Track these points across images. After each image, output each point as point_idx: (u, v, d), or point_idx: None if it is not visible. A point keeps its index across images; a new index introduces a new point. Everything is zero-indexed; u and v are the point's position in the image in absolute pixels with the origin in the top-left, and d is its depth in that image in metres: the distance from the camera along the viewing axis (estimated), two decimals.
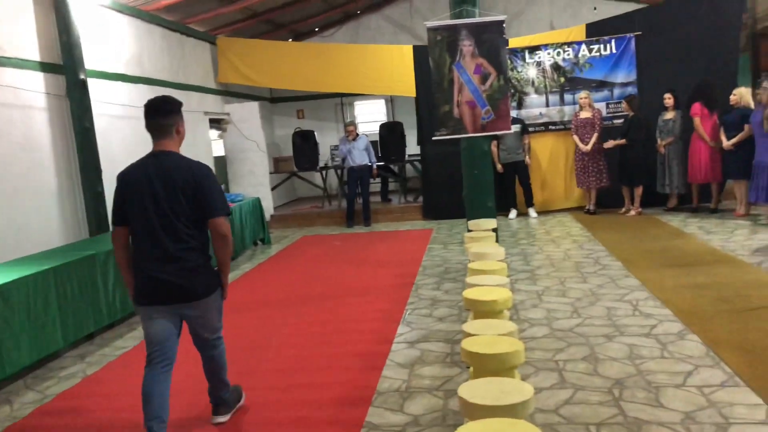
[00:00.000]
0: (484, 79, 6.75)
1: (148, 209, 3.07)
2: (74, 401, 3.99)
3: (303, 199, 13.27)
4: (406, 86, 10.07)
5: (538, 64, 9.61)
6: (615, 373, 3.60)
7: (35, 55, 6.40)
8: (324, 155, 12.02)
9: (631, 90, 9.28)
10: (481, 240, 5.21)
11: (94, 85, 6.99)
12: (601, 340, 4.16)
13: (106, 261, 5.38)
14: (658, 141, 8.66)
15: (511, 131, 8.96)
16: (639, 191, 8.79)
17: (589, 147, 8.89)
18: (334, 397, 3.66)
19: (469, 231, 5.74)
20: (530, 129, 9.59)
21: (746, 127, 7.57)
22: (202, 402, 3.61)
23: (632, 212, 8.82)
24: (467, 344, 2.84)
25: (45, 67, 6.49)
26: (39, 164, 6.36)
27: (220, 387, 3.47)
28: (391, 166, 11.62)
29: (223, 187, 10.48)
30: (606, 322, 4.51)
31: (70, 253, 5.23)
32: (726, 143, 7.85)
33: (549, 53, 9.56)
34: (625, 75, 9.37)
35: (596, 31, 9.50)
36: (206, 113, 9.97)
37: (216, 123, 10.59)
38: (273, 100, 13.43)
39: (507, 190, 9.55)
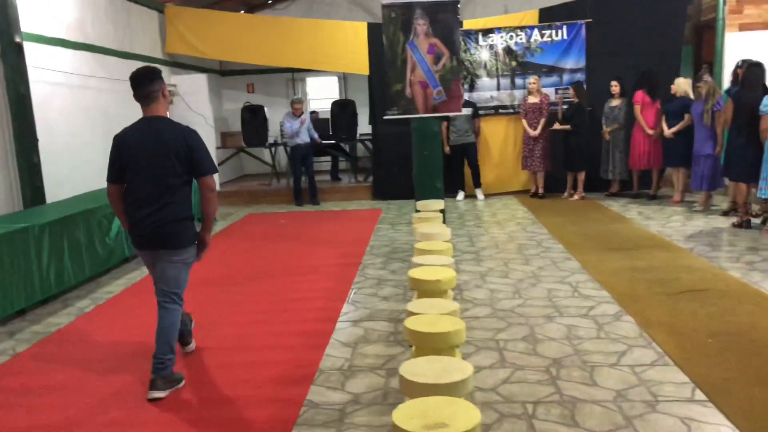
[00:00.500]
0: (437, 59, 6.74)
1: (143, 168, 3.42)
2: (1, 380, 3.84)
3: (250, 176, 13.05)
4: (360, 64, 9.97)
5: (491, 47, 9.66)
6: (553, 353, 3.69)
7: None
8: (273, 131, 11.83)
9: (580, 76, 9.44)
10: (429, 221, 5.23)
11: (31, 50, 6.64)
12: (541, 320, 4.25)
13: (40, 234, 5.17)
14: (604, 128, 8.86)
15: (463, 113, 9.06)
16: (582, 176, 8.99)
17: (537, 132, 9.03)
18: (275, 375, 3.63)
19: (417, 211, 5.76)
20: (481, 112, 9.65)
21: (686, 116, 7.82)
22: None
23: (576, 197, 9.03)
24: (410, 323, 2.85)
25: None
26: None
27: (166, 349, 3.50)
28: (342, 145, 11.54)
29: None
30: (546, 303, 4.61)
31: (1, 226, 5.00)
32: (667, 131, 8.10)
33: (502, 37, 9.62)
34: (574, 61, 9.52)
35: (549, 16, 9.61)
36: None
37: None
38: (222, 73, 13.10)
39: (456, 171, 9.62)
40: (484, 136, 9.81)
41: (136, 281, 5.97)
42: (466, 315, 4.39)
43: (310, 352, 3.95)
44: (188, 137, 3.48)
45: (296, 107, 9.87)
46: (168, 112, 3.61)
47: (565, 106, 9.06)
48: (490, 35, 9.63)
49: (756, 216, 6.78)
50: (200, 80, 10.51)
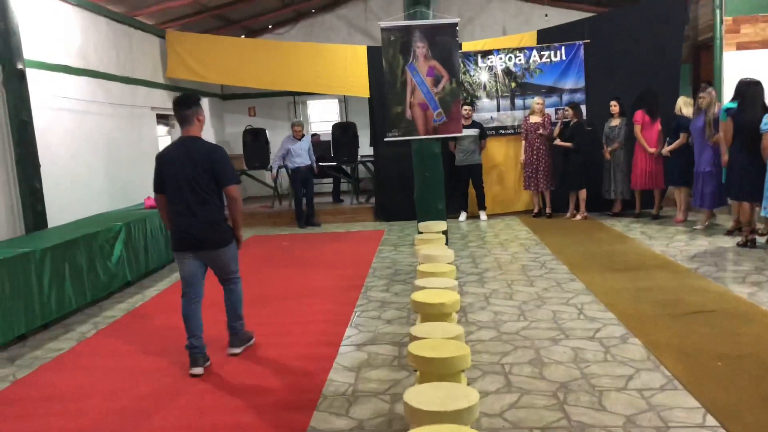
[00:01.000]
0: (436, 81, 6.77)
1: (179, 181, 4.05)
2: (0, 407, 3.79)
3: (253, 198, 13.05)
4: (360, 86, 10.02)
5: (490, 68, 9.71)
6: (560, 377, 3.64)
7: None
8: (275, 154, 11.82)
9: (580, 96, 9.47)
10: (431, 242, 5.21)
11: (34, 77, 6.69)
12: (546, 343, 4.20)
13: (42, 259, 5.15)
14: (605, 147, 8.88)
15: (470, 134, 9.10)
16: (583, 195, 8.98)
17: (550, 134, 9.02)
18: (277, 401, 3.58)
19: (420, 233, 5.73)
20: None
21: (682, 135, 7.84)
22: None
23: (578, 217, 9.00)
24: (414, 348, 2.81)
25: None
26: None
27: (235, 318, 4.41)
28: (344, 167, 11.56)
29: None
30: (552, 325, 4.56)
31: (2, 251, 4.97)
32: (663, 150, 8.13)
33: (501, 58, 9.67)
34: (573, 82, 9.56)
35: (547, 37, 9.66)
36: (153, 108, 9.69)
37: (164, 119, 10.31)
38: (224, 96, 13.18)
39: (461, 192, 9.62)
40: (486, 156, 9.81)
41: (137, 305, 5.93)
42: (470, 338, 4.34)
43: (313, 376, 3.90)
44: (213, 154, 4.10)
45: (296, 129, 9.89)
46: (201, 133, 4.23)
47: (557, 126, 9.06)
48: (489, 57, 9.69)
49: (761, 235, 6.74)
50: (201, 104, 10.54)
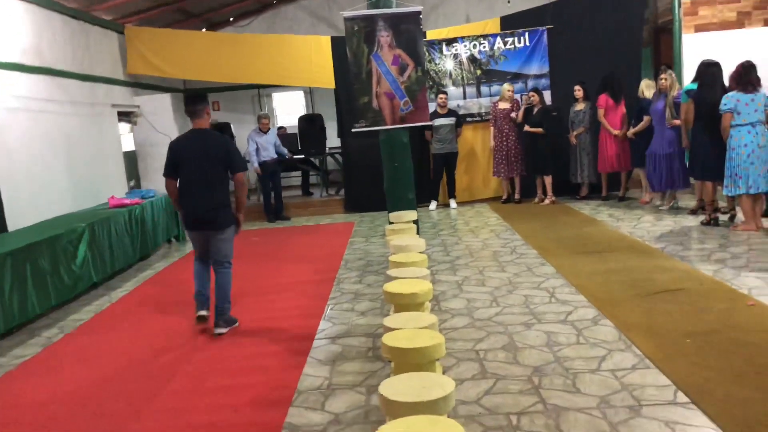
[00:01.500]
0: (402, 70, 6.73)
1: (191, 167, 4.57)
2: None
3: None
4: (325, 78, 9.93)
5: (455, 56, 9.71)
6: (534, 361, 3.66)
7: None
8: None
9: (545, 82, 9.54)
10: (402, 232, 5.20)
11: None
12: (519, 328, 4.23)
13: (2, 264, 4.98)
14: (571, 132, 8.96)
15: (446, 122, 9.11)
16: (549, 180, 9.06)
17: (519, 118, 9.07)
18: (252, 398, 3.54)
19: (391, 223, 5.71)
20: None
21: (645, 118, 7.95)
22: None
23: (546, 201, 9.09)
24: (388, 339, 2.79)
25: None
26: None
27: (224, 301, 4.73)
28: (312, 159, 11.47)
29: (133, 183, 10.03)
30: (524, 310, 4.60)
31: None
32: (628, 132, 8.26)
33: (465, 46, 9.67)
34: (538, 67, 9.62)
35: (510, 24, 9.69)
36: (114, 106, 9.46)
37: (125, 116, 10.07)
38: (186, 92, 12.93)
39: (435, 181, 9.63)
40: None
41: (105, 307, 5.80)
42: (444, 326, 4.35)
43: (288, 372, 3.86)
44: (225, 144, 4.70)
45: (264, 122, 9.77)
46: (208, 125, 4.79)
47: (520, 110, 9.10)
48: (454, 44, 9.69)
49: (724, 213, 6.88)
50: (164, 100, 10.35)
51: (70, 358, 4.54)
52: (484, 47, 9.65)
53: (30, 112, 7.27)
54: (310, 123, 11.04)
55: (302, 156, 11.02)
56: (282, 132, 11.52)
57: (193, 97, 4.85)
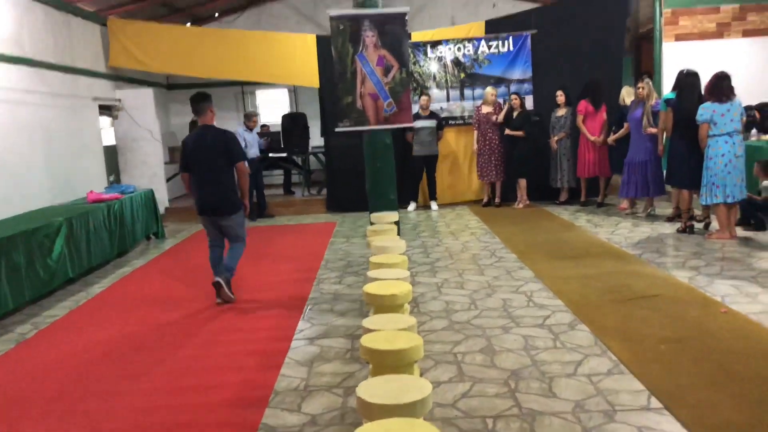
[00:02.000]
0: (386, 71, 6.74)
1: (200, 161, 5.14)
2: None
3: None
4: (310, 76, 9.90)
5: (440, 59, 9.74)
6: (511, 365, 3.69)
7: None
8: None
9: (527, 87, 9.61)
10: (383, 233, 5.20)
11: None
12: (497, 331, 4.26)
13: None
14: (551, 137, 9.04)
15: (427, 125, 9.12)
16: (523, 183, 9.15)
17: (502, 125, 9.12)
18: (228, 398, 3.52)
19: (372, 224, 5.72)
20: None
21: (626, 124, 8.06)
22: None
23: (520, 205, 9.17)
24: (366, 341, 2.80)
25: None
26: None
27: (231, 264, 5.33)
28: (294, 158, 11.43)
29: (112, 177, 9.92)
30: (502, 313, 4.63)
31: None
32: (609, 139, 8.38)
33: (450, 48, 9.71)
34: (521, 72, 9.69)
35: (495, 28, 9.75)
36: (95, 99, 9.36)
37: (106, 110, 9.96)
38: (169, 86, 12.84)
39: (415, 183, 9.65)
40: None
41: (81, 303, 5.73)
42: (423, 328, 4.36)
43: (265, 372, 3.85)
44: (224, 137, 5.21)
45: (254, 120, 9.75)
46: (214, 121, 5.33)
47: (501, 113, 9.16)
48: (439, 47, 9.72)
49: (699, 221, 6.99)
50: (146, 94, 10.26)
51: (43, 354, 4.48)
52: (469, 51, 9.70)
53: (8, 104, 7.17)
54: (294, 121, 11.01)
55: (285, 154, 10.97)
56: (265, 130, 11.47)
57: (198, 96, 5.28)
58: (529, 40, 9.59)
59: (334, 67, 6.74)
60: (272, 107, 13.37)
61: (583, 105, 8.69)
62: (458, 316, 4.62)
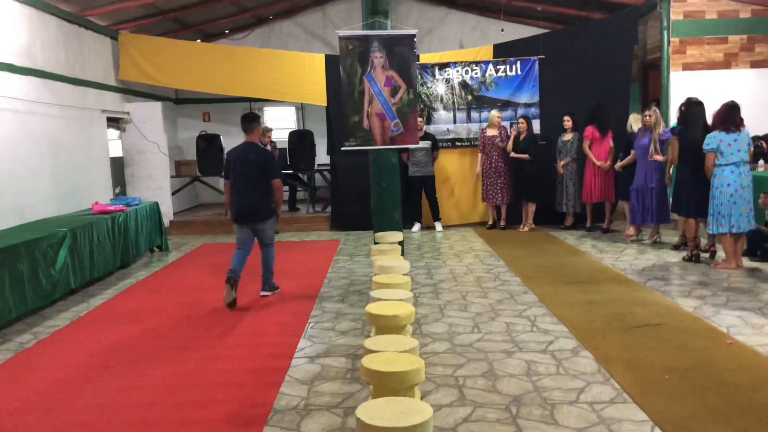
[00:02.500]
0: (394, 91, 6.79)
1: (240, 172, 5.72)
2: None
3: (206, 205, 12.82)
4: (317, 95, 9.97)
5: (447, 81, 9.80)
6: (513, 390, 3.65)
7: None
8: None
9: (534, 111, 9.64)
10: (387, 253, 5.19)
11: None
12: (500, 356, 4.22)
13: None
14: (558, 162, 9.05)
15: (422, 146, 9.11)
16: (532, 208, 9.14)
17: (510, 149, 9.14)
18: (227, 415, 3.48)
19: (376, 243, 5.70)
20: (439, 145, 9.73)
21: (633, 151, 8.06)
22: None
23: (525, 228, 9.15)
24: (368, 361, 2.78)
25: None
26: None
27: (267, 271, 6.04)
28: (300, 175, 11.46)
29: (118, 189, 9.95)
30: (505, 337, 4.59)
31: None
32: (616, 165, 8.37)
33: (458, 71, 9.77)
34: (528, 96, 9.73)
35: (503, 52, 9.81)
36: (104, 111, 9.42)
37: (114, 122, 10.03)
38: (178, 101, 12.93)
39: (414, 203, 9.65)
40: (442, 168, 9.88)
41: (82, 314, 5.72)
42: (424, 350, 4.33)
43: (265, 390, 3.82)
44: (265, 156, 5.81)
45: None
46: (259, 140, 6.04)
47: (510, 138, 9.18)
48: (446, 69, 9.78)
49: (704, 251, 6.95)
50: (154, 108, 10.32)
51: (41, 365, 4.45)
52: (476, 73, 9.75)
53: (18, 114, 7.22)
54: (300, 139, 11.05)
55: (291, 171, 11.00)
56: (273, 147, 11.50)
57: (249, 117, 5.93)
58: (537, 65, 9.64)
59: (342, 87, 6.80)
60: (279, 124, 13.43)
61: (590, 131, 8.71)
62: (461, 339, 4.58)
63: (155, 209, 8.62)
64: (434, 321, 5.05)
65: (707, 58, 9.48)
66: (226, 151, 11.15)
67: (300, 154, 10.90)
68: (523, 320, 4.98)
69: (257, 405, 3.61)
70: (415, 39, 6.86)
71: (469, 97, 9.82)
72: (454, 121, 9.89)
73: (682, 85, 9.19)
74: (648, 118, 7.66)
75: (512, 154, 9.07)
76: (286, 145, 11.23)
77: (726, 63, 9.48)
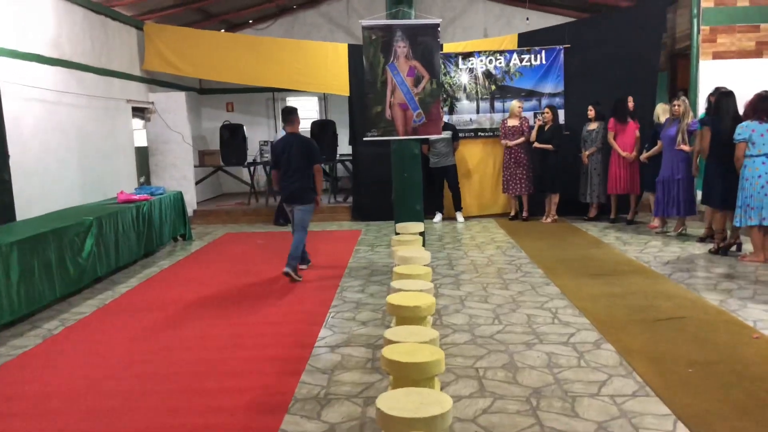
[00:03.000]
0: (417, 81, 6.75)
1: (287, 161, 6.32)
2: None
3: (229, 194, 12.93)
4: (340, 85, 9.96)
5: (471, 70, 9.72)
6: (533, 382, 3.63)
7: None
8: (253, 150, 11.74)
9: (559, 101, 9.53)
10: (408, 243, 5.18)
11: (4, 65, 6.53)
12: (520, 347, 4.20)
13: (9, 253, 5.01)
14: (583, 152, 8.94)
15: (443, 136, 9.06)
16: (555, 199, 9.05)
17: (514, 142, 9.08)
18: (248, 403, 3.52)
19: (397, 234, 5.70)
20: (460, 135, 9.67)
21: (659, 142, 7.92)
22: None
23: (548, 219, 9.08)
24: (388, 352, 2.78)
25: None
26: None
27: (296, 252, 6.35)
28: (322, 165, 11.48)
29: (143, 179, 10.07)
30: (526, 329, 4.57)
31: None
32: (642, 156, 8.24)
33: (481, 60, 9.68)
34: (553, 86, 9.61)
35: (528, 41, 9.70)
36: (129, 101, 9.54)
37: (139, 112, 10.15)
38: (202, 91, 13.02)
39: (436, 194, 9.62)
40: (464, 158, 9.83)
41: (107, 302, 5.81)
42: (445, 341, 4.33)
43: (286, 378, 3.85)
44: (308, 143, 6.45)
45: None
46: (299, 129, 6.58)
47: (534, 128, 9.10)
48: (470, 59, 9.70)
49: (729, 245, 6.80)
50: (179, 98, 10.42)
51: (68, 351, 4.54)
52: (500, 63, 9.66)
53: (45, 103, 7.34)
54: (323, 129, 11.07)
55: None
56: None
57: (289, 109, 6.58)
58: (562, 54, 9.52)
59: (365, 77, 6.78)
60: (302, 114, 13.42)
61: (612, 122, 8.61)
62: (481, 331, 4.57)
63: (179, 198, 8.72)
64: (455, 312, 5.05)
65: (738, 47, 9.25)
66: (249, 140, 11.51)
67: (322, 143, 10.89)
68: (545, 312, 4.95)
69: (278, 393, 3.64)
70: (439, 28, 6.80)
71: (493, 87, 9.73)
72: (477, 111, 9.82)
73: (712, 74, 8.98)
74: (677, 107, 7.51)
75: (535, 145, 8.99)
76: (308, 135, 11.24)
77: (758, 52, 9.24)
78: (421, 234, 5.73)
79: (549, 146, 8.84)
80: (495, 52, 9.68)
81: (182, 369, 4.07)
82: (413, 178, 6.84)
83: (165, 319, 5.22)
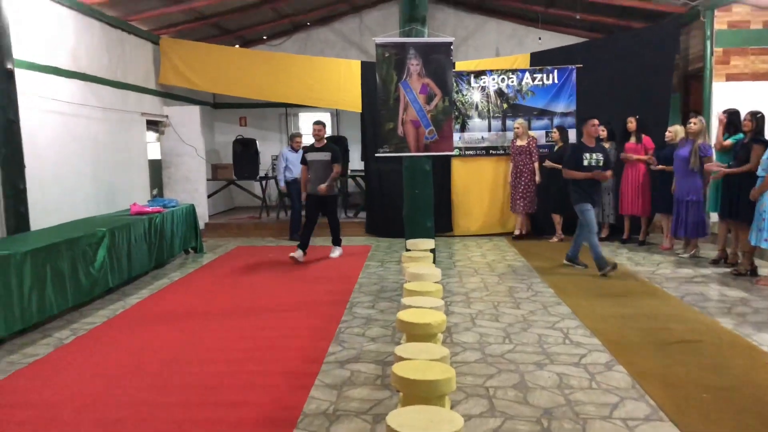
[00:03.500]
0: (429, 99, 6.77)
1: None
2: None
3: (240, 208, 12.98)
4: (353, 101, 10.02)
5: (483, 88, 9.75)
6: (544, 403, 3.60)
7: None
8: (265, 165, 11.80)
9: (571, 120, 9.53)
10: (419, 260, 5.17)
11: (22, 77, 6.62)
12: (531, 367, 4.17)
13: (22, 262, 5.04)
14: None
15: (320, 158, 8.76)
16: (557, 219, 9.06)
17: (538, 178, 9.11)
18: (257, 417, 3.51)
19: (407, 250, 5.69)
20: (471, 153, 9.68)
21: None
22: None
23: (555, 239, 9.04)
24: (398, 369, 2.76)
25: None
26: None
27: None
28: None
29: (155, 191, 10.13)
30: (537, 349, 4.53)
31: None
32: (652, 166, 8.19)
33: (494, 79, 9.72)
34: (565, 105, 9.62)
35: (540, 60, 9.73)
36: (144, 114, 9.63)
37: (153, 125, 10.24)
38: (215, 105, 13.13)
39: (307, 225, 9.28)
40: (476, 176, 9.83)
41: (118, 312, 5.83)
42: (455, 359, 4.30)
43: (295, 393, 3.84)
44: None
45: (297, 141, 9.89)
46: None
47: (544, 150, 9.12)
48: (482, 77, 9.73)
49: (744, 273, 6.66)
50: (192, 112, 10.51)
51: (79, 361, 4.55)
52: (512, 81, 9.69)
53: (62, 115, 7.42)
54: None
55: None
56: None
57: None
58: (574, 74, 9.54)
59: (378, 94, 6.81)
60: None
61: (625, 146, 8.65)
62: (492, 349, 4.54)
63: (191, 211, 8.76)
64: (465, 330, 5.02)
65: (752, 69, 9.23)
66: (261, 154, 11.61)
67: None
68: (556, 332, 4.91)
69: (287, 408, 3.62)
70: (452, 47, 6.84)
71: (505, 106, 9.75)
72: (489, 129, 9.84)
73: (726, 96, 8.96)
74: (692, 125, 7.38)
75: (546, 163, 8.98)
76: None
77: None
78: (432, 251, 5.72)
79: (558, 166, 8.81)
80: (507, 70, 9.71)
81: (192, 381, 4.07)
82: (424, 194, 6.85)
83: (175, 330, 5.22)
